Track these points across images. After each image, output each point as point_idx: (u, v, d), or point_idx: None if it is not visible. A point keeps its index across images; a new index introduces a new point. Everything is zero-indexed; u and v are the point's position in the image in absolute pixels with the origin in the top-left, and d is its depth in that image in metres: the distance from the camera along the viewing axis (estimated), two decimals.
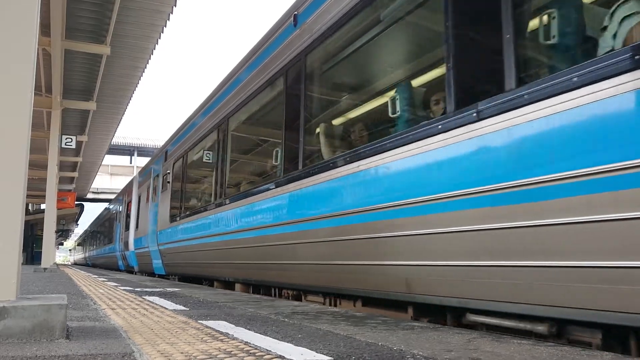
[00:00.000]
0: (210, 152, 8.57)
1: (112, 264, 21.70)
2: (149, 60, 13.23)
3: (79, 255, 54.37)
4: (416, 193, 3.35)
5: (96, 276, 11.55)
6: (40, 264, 15.47)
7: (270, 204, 5.55)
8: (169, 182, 10.76)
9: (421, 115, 3.95)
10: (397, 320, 3.31)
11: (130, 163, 40.56)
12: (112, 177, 38.17)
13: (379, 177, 3.79)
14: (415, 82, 4.30)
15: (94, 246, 32.47)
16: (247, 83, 6.73)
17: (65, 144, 15.79)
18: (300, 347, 2.18)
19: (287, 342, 2.33)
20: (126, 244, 16.06)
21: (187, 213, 9.15)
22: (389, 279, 3.75)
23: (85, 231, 43.52)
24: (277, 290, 6.41)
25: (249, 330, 2.72)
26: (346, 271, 4.29)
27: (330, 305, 5.00)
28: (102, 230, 27.56)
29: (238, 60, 7.33)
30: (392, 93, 4.27)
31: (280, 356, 1.98)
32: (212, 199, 7.94)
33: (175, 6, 10.60)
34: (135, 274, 15.70)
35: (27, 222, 31.00)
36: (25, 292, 3.32)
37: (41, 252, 15.48)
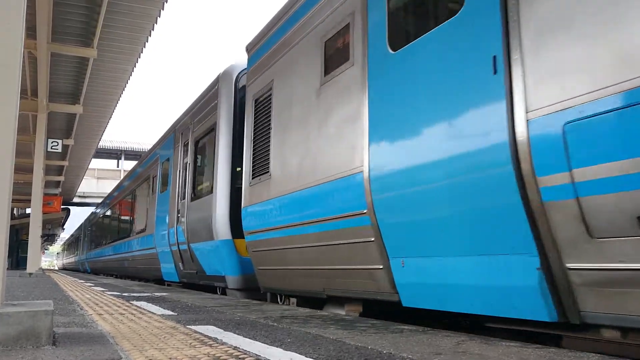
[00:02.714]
0: None
1: (144, 270, 12.25)
2: (137, 63, 13.17)
3: (69, 259, 43.14)
4: None
5: (83, 281, 11.41)
6: (25, 269, 15.30)
7: None
8: None
9: None
10: (386, 323, 3.32)
11: (117, 167, 40.20)
12: (98, 180, 37.79)
13: None
14: None
15: (99, 242, 21.17)
16: None
17: (51, 148, 15.66)
18: (289, 352, 2.17)
19: (277, 346, 2.32)
20: (195, 229, 7.58)
21: None
22: None
23: (82, 225, 31.39)
24: None
25: (238, 335, 2.71)
26: None
27: None
28: (115, 215, 17.46)
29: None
30: None
31: None
32: None
33: (163, 9, 10.57)
34: (222, 291, 7.22)
35: (12, 227, 30.60)
36: (10, 298, 3.28)
37: (27, 257, 15.31)
